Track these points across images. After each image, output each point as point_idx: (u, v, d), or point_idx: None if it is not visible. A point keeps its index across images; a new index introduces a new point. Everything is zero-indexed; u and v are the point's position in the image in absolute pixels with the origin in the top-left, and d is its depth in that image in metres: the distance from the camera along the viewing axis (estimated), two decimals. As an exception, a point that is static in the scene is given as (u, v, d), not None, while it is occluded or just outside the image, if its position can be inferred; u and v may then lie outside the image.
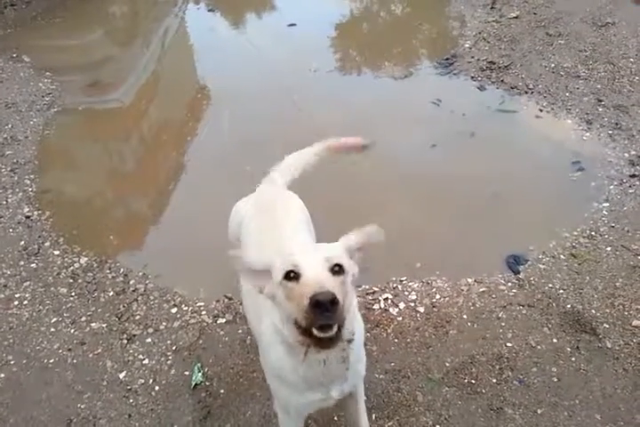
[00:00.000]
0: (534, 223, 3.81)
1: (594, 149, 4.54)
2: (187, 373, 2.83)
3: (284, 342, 1.67)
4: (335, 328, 1.44)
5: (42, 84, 6.03)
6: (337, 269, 1.51)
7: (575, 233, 3.67)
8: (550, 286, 3.26)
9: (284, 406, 1.99)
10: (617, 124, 4.73)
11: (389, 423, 2.57)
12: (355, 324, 1.73)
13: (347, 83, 6.02)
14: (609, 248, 3.50)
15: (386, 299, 3.26)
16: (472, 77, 5.70)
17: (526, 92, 5.41)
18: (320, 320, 1.39)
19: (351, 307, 1.59)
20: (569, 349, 2.87)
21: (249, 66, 6.28)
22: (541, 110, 5.13)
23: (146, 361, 2.89)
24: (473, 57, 6.02)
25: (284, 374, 1.78)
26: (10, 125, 5.23)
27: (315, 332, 1.43)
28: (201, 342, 3.00)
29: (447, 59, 6.10)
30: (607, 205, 3.87)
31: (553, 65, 5.65)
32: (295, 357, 1.67)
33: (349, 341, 1.67)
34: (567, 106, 5.12)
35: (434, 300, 3.24)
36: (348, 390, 1.91)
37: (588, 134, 4.72)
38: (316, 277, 1.44)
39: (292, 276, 1.49)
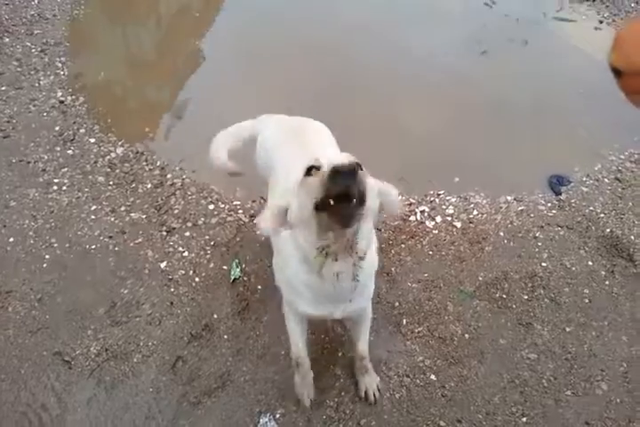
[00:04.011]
0: (581, 144, 3.69)
1: (654, 69, 4.26)
2: (225, 267, 2.89)
3: (301, 256, 1.68)
4: (354, 201, 1.37)
5: (67, -42, 5.60)
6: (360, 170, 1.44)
7: (622, 157, 3.56)
8: (591, 208, 3.22)
9: (290, 309, 2.11)
10: (685, 42, 4.40)
11: (419, 329, 2.66)
12: (370, 247, 1.73)
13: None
14: (656, 174, 3.41)
15: (422, 211, 3.24)
16: (530, -22, 5.25)
17: (587, 0, 5.01)
18: (339, 187, 1.34)
19: (365, 226, 1.56)
20: (603, 272, 2.89)
21: None
22: (602, 22, 4.78)
23: (185, 253, 2.95)
24: (534, -45, 5.49)
25: (295, 284, 1.85)
26: (36, 1, 4.94)
27: (331, 203, 1.38)
28: (238, 239, 3.04)
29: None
30: (661, 129, 3.71)
31: (622, -30, 5.16)
32: (310, 270, 1.69)
33: (361, 258, 1.65)
34: (631, 18, 4.75)
35: (471, 215, 3.22)
36: (351, 310, 1.95)
37: (650, 52, 4.41)
38: (336, 158, 1.41)
39: (312, 172, 1.45)
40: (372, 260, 1.85)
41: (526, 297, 2.79)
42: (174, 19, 5.10)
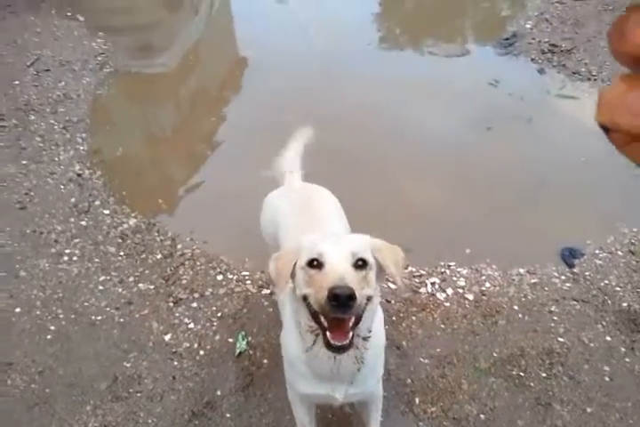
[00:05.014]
0: (593, 217, 3.68)
1: (660, 144, 4.33)
2: (230, 340, 2.83)
3: (297, 330, 1.69)
4: (349, 337, 1.45)
5: (95, 44, 6.02)
6: (360, 264, 1.50)
7: (635, 229, 3.53)
8: (606, 282, 3.15)
9: (292, 390, 2.03)
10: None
11: (432, 409, 2.53)
12: (375, 322, 1.71)
13: (398, 58, 5.87)
14: (670, 248, 3.36)
15: (433, 283, 3.19)
16: (532, 60, 5.52)
17: (589, 79, 5.20)
18: (335, 313, 1.38)
19: (372, 303, 1.56)
20: (623, 349, 2.78)
21: (290, 37, 6.19)
22: (603, 99, 4.91)
23: (191, 325, 2.91)
24: (534, 38, 5.81)
25: (293, 360, 1.81)
26: (63, 83, 5.25)
27: (329, 337, 1.45)
28: (245, 310, 3.00)
29: (507, 39, 5.90)
30: (671, 204, 3.71)
31: (620, 51, 5.40)
32: (305, 346, 1.67)
33: (365, 338, 1.64)
34: (615, 75, 4.89)
35: (483, 288, 3.16)
36: (354, 393, 1.84)
37: (654, 128, 4.50)
38: (338, 269, 1.43)
39: (315, 264, 1.49)
40: (378, 338, 1.79)
41: (544, 375, 2.67)
42: (193, 99, 5.37)
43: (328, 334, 1.46)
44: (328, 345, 1.47)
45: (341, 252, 1.49)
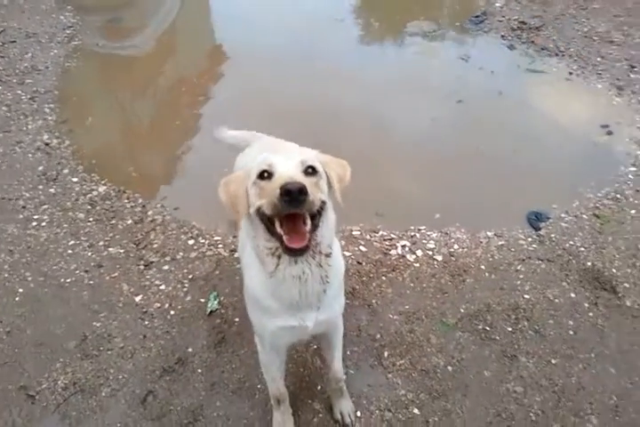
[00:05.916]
0: (558, 183, 3.76)
1: (623, 114, 4.42)
2: (202, 300, 2.83)
3: (259, 259, 1.66)
4: (306, 239, 1.47)
5: (63, 18, 5.92)
6: (310, 171, 1.55)
7: (599, 195, 3.61)
8: (571, 243, 3.23)
9: (259, 334, 1.99)
10: (650, 91, 4.62)
11: (401, 361, 2.57)
12: (335, 247, 1.74)
13: (370, 36, 5.90)
14: (633, 211, 3.45)
15: (403, 246, 3.23)
16: (502, 36, 5.58)
17: (557, 55, 5.27)
18: (288, 209, 1.40)
19: (326, 211, 1.59)
20: (587, 304, 2.86)
21: (267, 23, 5.99)
22: (571, 73, 5.00)
23: (162, 287, 2.90)
24: (504, 16, 5.88)
25: (259, 296, 1.78)
26: (30, 55, 5.15)
27: (286, 241, 1.46)
28: (217, 272, 3.00)
29: (477, 16, 5.96)
30: (634, 169, 3.81)
31: (586, 29, 5.52)
32: (268, 272, 1.65)
33: (327, 255, 1.66)
34: (598, 70, 4.99)
35: (452, 249, 3.21)
36: (322, 321, 1.85)
37: (618, 99, 4.61)
38: (288, 172, 1.47)
39: (265, 175, 1.52)
40: (339, 260, 1.83)
41: (510, 329, 2.73)
42: (163, 74, 5.26)
43: (285, 238, 1.46)
44: (287, 249, 1.47)
45: (290, 161, 1.53)
